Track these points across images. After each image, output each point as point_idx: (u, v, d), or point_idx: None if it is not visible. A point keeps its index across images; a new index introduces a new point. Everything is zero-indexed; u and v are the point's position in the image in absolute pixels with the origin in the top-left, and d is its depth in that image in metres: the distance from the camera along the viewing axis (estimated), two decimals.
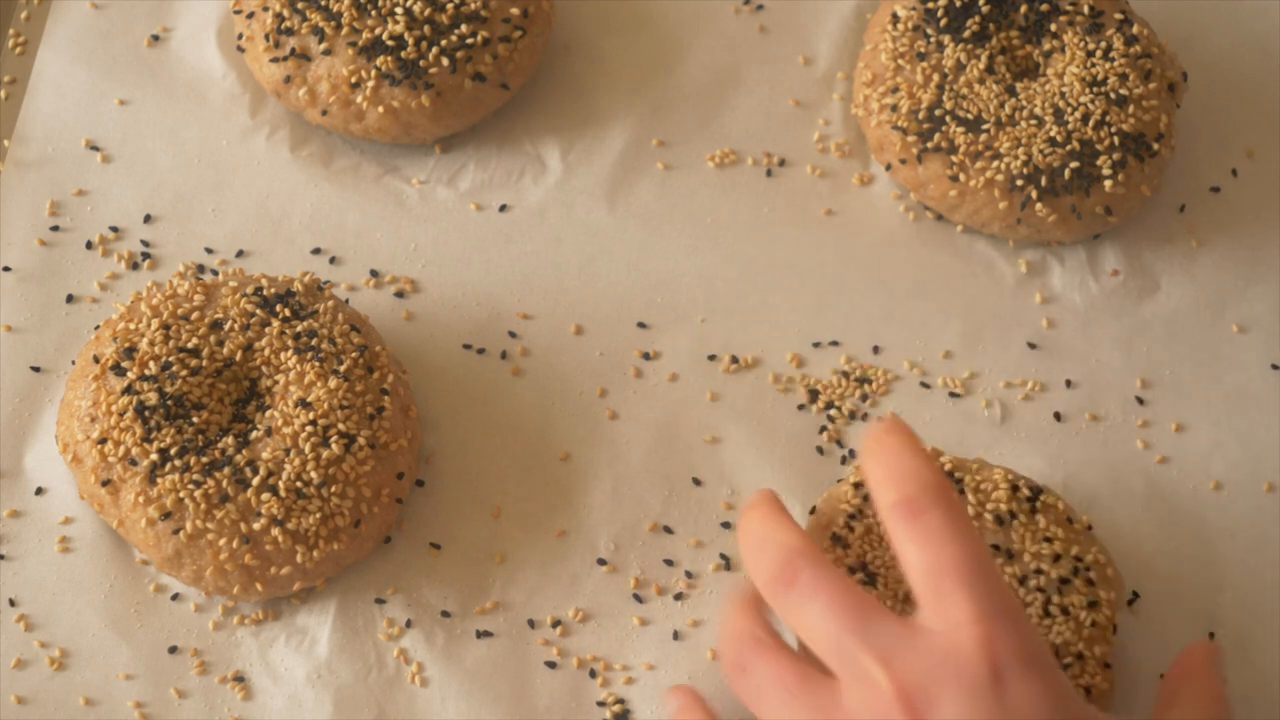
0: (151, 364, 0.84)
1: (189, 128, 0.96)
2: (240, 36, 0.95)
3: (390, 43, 0.92)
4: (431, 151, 0.97)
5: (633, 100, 0.99)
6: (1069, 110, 0.93)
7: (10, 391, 0.89)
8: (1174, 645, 0.85)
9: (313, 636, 0.84)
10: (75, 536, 0.85)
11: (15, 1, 1.00)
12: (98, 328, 0.88)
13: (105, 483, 0.82)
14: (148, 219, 0.94)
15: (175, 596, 0.84)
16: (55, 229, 0.93)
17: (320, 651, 0.84)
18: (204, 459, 0.82)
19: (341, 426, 0.84)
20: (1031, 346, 0.93)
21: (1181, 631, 0.86)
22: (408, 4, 0.93)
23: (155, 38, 0.99)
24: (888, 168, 0.96)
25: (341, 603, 0.85)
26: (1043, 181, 0.92)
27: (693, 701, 0.80)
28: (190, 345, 0.85)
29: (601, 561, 0.86)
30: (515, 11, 0.95)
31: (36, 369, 0.89)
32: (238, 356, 0.85)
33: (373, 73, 0.92)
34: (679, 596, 0.86)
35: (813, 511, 0.85)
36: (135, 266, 0.92)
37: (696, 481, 0.89)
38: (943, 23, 0.95)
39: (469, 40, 0.93)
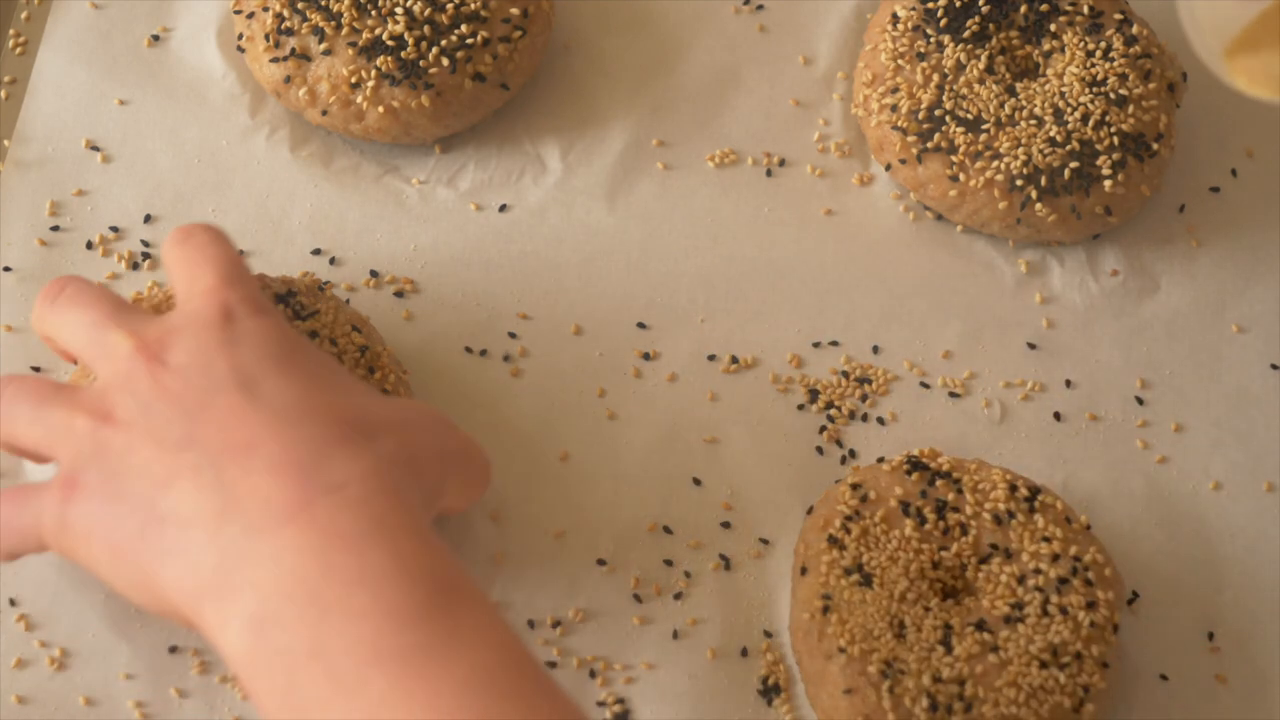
0: None
1: (189, 128, 0.96)
2: (240, 36, 0.95)
3: (390, 43, 0.93)
4: (431, 151, 0.97)
5: (633, 100, 0.99)
6: (1069, 110, 0.93)
7: None
8: (1174, 645, 0.85)
9: None
10: None
11: (15, 1, 1.00)
12: None
13: None
14: (148, 219, 0.94)
15: None
16: (55, 229, 0.93)
17: None
18: None
19: None
20: (1031, 346, 0.93)
21: (1181, 631, 0.86)
22: (408, 4, 0.93)
23: (155, 38, 0.99)
24: (888, 168, 0.96)
25: None
26: (1042, 181, 0.92)
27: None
28: None
29: (601, 561, 0.86)
30: (515, 11, 0.95)
31: (36, 369, 0.89)
32: None
33: (373, 73, 0.92)
34: (679, 596, 0.86)
35: (809, 512, 0.85)
36: (135, 266, 0.93)
37: (696, 481, 0.89)
38: (943, 23, 0.95)
39: (469, 40, 0.93)
